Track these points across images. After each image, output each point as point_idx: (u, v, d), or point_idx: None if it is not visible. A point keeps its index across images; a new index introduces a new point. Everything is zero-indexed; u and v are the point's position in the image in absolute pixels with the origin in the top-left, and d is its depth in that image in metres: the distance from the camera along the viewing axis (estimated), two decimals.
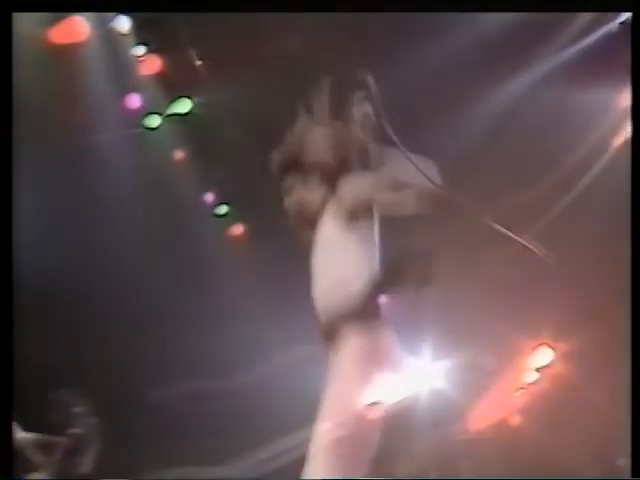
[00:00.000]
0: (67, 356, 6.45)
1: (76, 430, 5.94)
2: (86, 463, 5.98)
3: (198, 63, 6.53)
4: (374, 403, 2.75)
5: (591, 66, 5.87)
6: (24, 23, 5.16)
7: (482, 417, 7.35)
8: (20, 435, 5.65)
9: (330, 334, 2.86)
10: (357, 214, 2.83)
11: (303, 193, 2.98)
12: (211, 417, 6.86)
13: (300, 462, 2.88)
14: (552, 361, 7.23)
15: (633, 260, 3.00)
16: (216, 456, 6.72)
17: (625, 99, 5.66)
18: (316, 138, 2.96)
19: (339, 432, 2.72)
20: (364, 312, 2.81)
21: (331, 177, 2.93)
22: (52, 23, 5.66)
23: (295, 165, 2.99)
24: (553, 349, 7.21)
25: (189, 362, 7.04)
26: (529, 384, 7.38)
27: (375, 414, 2.76)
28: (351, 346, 2.79)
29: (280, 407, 6.61)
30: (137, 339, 6.77)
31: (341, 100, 2.93)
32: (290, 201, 3.03)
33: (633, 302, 2.96)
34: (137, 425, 6.39)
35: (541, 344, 7.25)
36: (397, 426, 2.94)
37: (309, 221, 2.97)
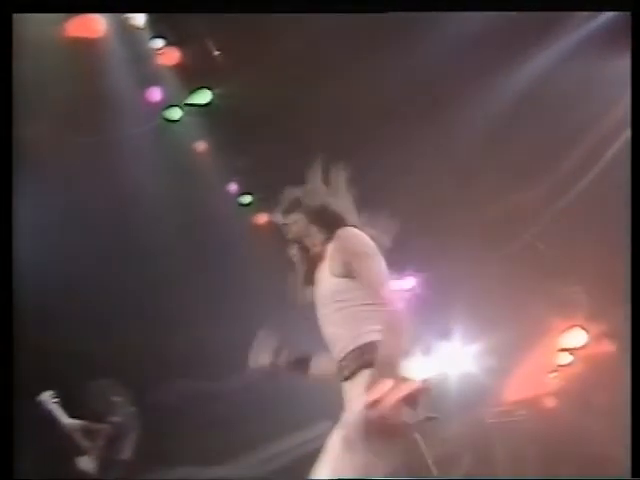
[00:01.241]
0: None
1: (116, 418, 6.06)
2: (126, 450, 6.10)
3: (216, 53, 6.50)
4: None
5: (614, 39, 5.68)
6: (36, 22, 5.18)
7: (514, 399, 7.29)
8: (67, 421, 5.82)
9: (343, 372, 2.92)
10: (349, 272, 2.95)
11: (304, 226, 3.14)
12: (211, 417, 6.89)
13: (300, 462, 2.88)
14: (585, 343, 7.13)
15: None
16: (216, 456, 6.77)
17: None
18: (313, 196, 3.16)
19: (360, 429, 2.71)
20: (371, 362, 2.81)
21: (328, 223, 3.10)
22: (66, 21, 5.67)
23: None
24: (586, 331, 7.10)
25: (189, 361, 7.07)
26: (562, 366, 7.28)
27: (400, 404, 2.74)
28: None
29: (281, 407, 6.59)
30: (138, 337, 6.84)
31: (330, 170, 3.14)
32: (290, 226, 3.18)
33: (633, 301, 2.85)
34: (137, 424, 6.45)
35: (574, 325, 7.15)
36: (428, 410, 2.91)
37: (311, 258, 3.13)
